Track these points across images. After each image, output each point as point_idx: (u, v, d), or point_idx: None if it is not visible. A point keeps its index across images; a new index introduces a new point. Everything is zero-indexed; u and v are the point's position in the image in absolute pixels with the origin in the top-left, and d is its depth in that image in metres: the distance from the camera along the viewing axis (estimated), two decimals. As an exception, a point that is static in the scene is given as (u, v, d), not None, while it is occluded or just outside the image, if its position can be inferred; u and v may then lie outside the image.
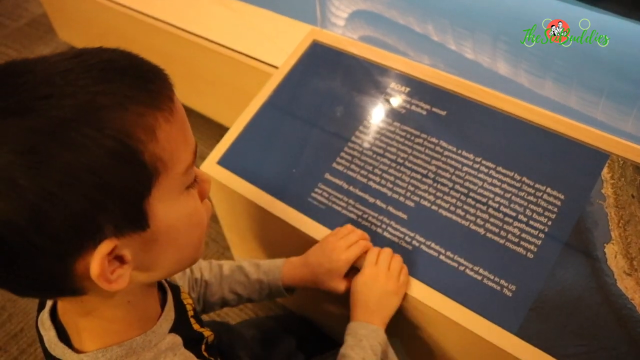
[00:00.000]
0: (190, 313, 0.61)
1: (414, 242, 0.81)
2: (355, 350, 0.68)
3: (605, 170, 0.79)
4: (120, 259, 0.43)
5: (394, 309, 0.75)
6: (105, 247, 0.40)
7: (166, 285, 0.58)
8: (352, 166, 0.90)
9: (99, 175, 0.38)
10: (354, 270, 0.79)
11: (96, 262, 0.40)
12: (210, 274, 0.78)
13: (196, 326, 0.61)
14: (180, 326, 0.56)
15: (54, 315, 0.52)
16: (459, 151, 0.86)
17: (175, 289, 0.60)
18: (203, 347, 0.60)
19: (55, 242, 0.38)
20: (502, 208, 0.80)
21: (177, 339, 0.53)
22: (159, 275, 0.50)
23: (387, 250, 0.78)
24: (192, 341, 0.56)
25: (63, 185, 0.37)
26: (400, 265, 0.77)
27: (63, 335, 0.50)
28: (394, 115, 0.93)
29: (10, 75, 0.39)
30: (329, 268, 0.76)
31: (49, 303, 0.52)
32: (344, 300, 1.00)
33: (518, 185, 0.81)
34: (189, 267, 0.53)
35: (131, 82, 0.41)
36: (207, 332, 0.62)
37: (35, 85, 0.38)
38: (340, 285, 0.77)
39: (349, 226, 0.82)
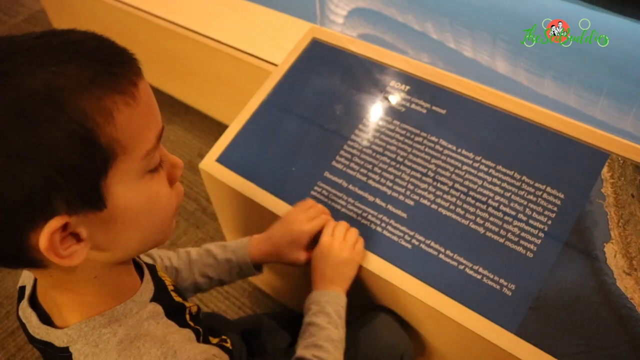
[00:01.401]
0: (170, 287, 0.62)
1: (413, 240, 0.81)
2: (320, 317, 0.71)
3: (605, 169, 0.79)
4: (77, 236, 0.43)
5: (351, 276, 0.78)
6: (54, 222, 0.41)
7: (141, 262, 0.59)
8: (352, 164, 0.89)
9: (53, 153, 0.39)
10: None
11: (44, 236, 0.40)
12: (179, 261, 0.80)
13: (178, 298, 0.62)
14: (161, 297, 0.56)
15: (33, 302, 0.53)
16: (459, 150, 0.86)
17: (152, 267, 0.61)
18: (187, 316, 0.61)
19: (7, 214, 0.39)
20: (501, 207, 0.80)
21: (158, 308, 0.54)
22: (121, 255, 0.50)
23: (342, 223, 0.81)
24: (173, 311, 0.56)
25: (15, 161, 0.38)
26: (356, 237, 0.80)
27: (45, 319, 0.51)
28: (394, 113, 0.93)
29: None
30: (291, 240, 0.79)
31: (28, 291, 0.54)
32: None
33: (518, 184, 0.81)
34: (154, 247, 0.54)
35: (93, 64, 0.41)
36: (189, 304, 0.63)
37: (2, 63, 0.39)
38: (302, 257, 0.80)
39: (309, 200, 0.85)
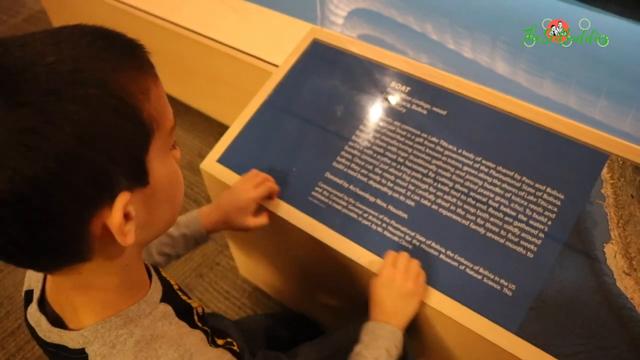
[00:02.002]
0: (176, 287, 0.63)
1: (414, 241, 0.81)
2: (370, 350, 0.69)
3: (604, 170, 0.79)
4: (126, 216, 0.45)
5: (413, 310, 0.75)
6: (123, 197, 0.43)
7: (147, 263, 0.59)
8: (353, 165, 0.90)
9: (109, 132, 0.41)
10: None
11: (117, 211, 0.42)
12: None
13: (184, 297, 0.63)
14: (170, 297, 0.57)
15: (41, 306, 0.53)
16: (459, 151, 0.86)
17: (155, 267, 0.62)
18: (196, 317, 0.61)
19: (76, 197, 0.40)
20: (502, 208, 0.80)
21: (169, 309, 0.55)
22: (153, 234, 0.52)
23: (404, 254, 0.79)
24: (182, 311, 0.57)
25: (81, 144, 0.39)
26: (418, 269, 0.77)
27: (56, 322, 0.51)
28: (395, 114, 0.93)
29: (8, 47, 0.41)
30: (238, 207, 0.83)
31: (36, 295, 0.53)
32: (338, 296, 1.00)
33: (518, 185, 0.81)
34: (170, 227, 0.56)
35: (120, 50, 0.44)
36: (195, 304, 0.64)
37: (34, 56, 0.40)
38: (250, 222, 0.84)
39: (254, 170, 0.89)
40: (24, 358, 1.20)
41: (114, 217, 0.42)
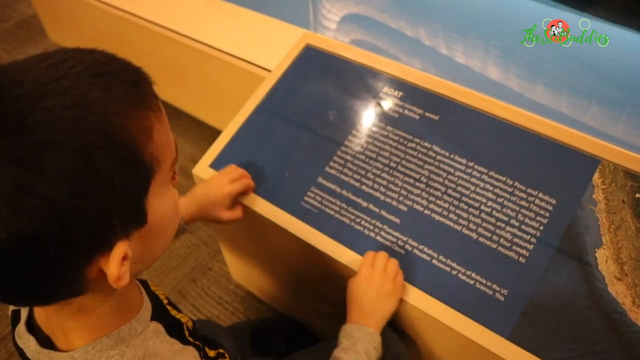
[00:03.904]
0: (165, 301, 0.62)
1: (406, 246, 0.81)
2: (349, 354, 0.69)
3: (596, 175, 0.80)
4: (123, 257, 0.44)
5: (391, 310, 0.75)
6: (120, 248, 0.41)
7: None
8: (345, 170, 0.90)
9: (108, 180, 0.39)
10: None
11: (115, 264, 0.41)
12: None
13: (173, 312, 0.62)
14: (160, 314, 0.56)
15: (30, 326, 0.52)
16: (452, 156, 0.86)
17: (144, 282, 0.61)
18: (186, 333, 0.61)
19: (73, 251, 0.39)
20: (494, 212, 0.80)
21: (160, 327, 0.54)
22: (148, 265, 0.51)
23: (382, 254, 0.78)
24: (173, 328, 0.56)
25: (82, 199, 0.38)
26: (396, 268, 0.77)
27: (45, 342, 0.50)
28: (387, 119, 0.93)
29: (3, 87, 0.38)
30: (214, 200, 0.84)
31: (24, 316, 0.52)
32: (331, 301, 1.00)
33: (510, 190, 0.81)
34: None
35: (124, 86, 0.42)
36: (185, 318, 0.63)
37: (33, 99, 0.37)
38: (223, 216, 0.86)
39: (232, 165, 0.91)
40: (14, 364, 1.20)
41: (112, 269, 0.41)
